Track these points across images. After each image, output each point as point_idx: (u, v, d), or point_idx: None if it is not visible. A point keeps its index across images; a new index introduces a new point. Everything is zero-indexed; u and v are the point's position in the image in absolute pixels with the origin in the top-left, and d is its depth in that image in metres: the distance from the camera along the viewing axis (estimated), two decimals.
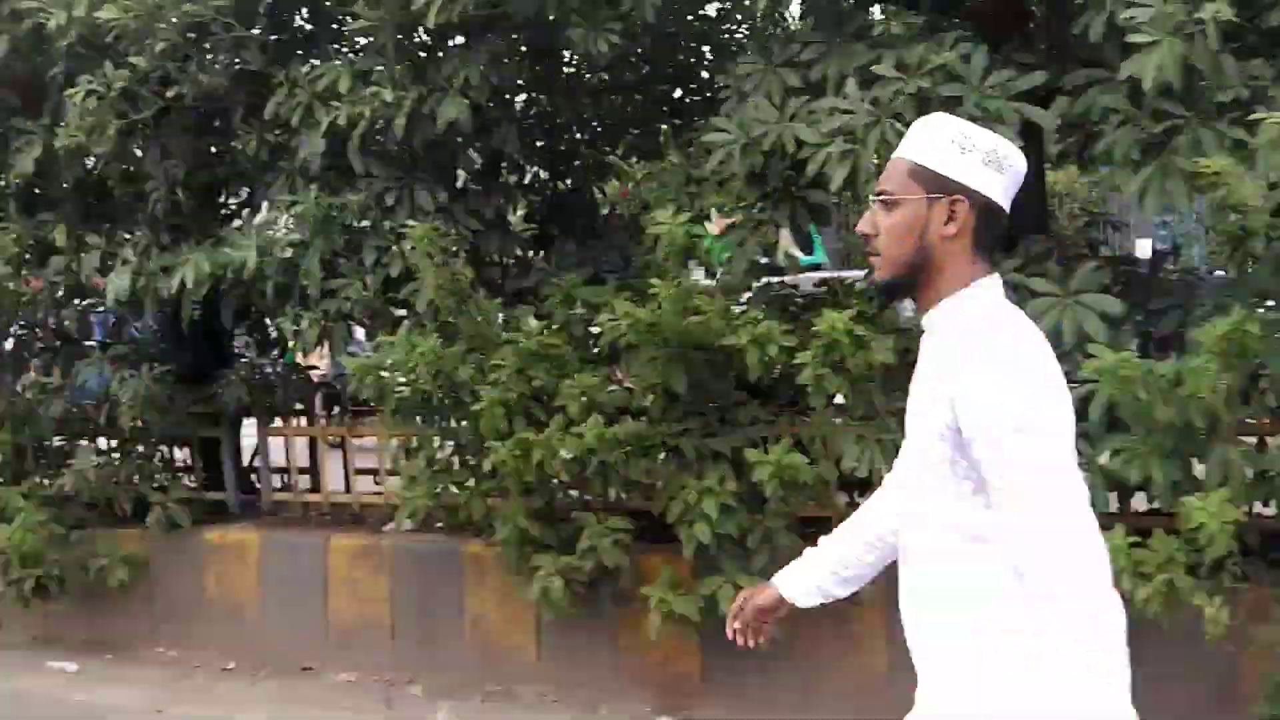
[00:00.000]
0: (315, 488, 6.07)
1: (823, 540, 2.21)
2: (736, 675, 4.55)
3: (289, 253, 4.45)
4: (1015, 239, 4.43)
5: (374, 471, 6.05)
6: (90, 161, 5.18)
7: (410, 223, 4.13)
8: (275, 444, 5.97)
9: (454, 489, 4.53)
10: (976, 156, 1.79)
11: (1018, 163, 1.84)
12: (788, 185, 3.98)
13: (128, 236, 5.08)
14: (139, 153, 4.89)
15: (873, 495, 2.20)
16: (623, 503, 4.51)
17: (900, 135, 3.57)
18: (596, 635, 4.80)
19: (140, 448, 5.76)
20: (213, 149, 5.10)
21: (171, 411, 5.42)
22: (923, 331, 1.91)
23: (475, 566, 5.06)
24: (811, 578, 2.18)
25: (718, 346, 3.90)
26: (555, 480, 4.25)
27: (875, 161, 3.59)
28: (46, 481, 5.77)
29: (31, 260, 5.49)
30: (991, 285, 1.83)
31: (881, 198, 1.85)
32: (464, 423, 4.48)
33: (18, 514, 5.59)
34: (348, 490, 5.84)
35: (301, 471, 6.20)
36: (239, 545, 5.58)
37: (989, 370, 1.70)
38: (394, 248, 4.50)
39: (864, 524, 2.16)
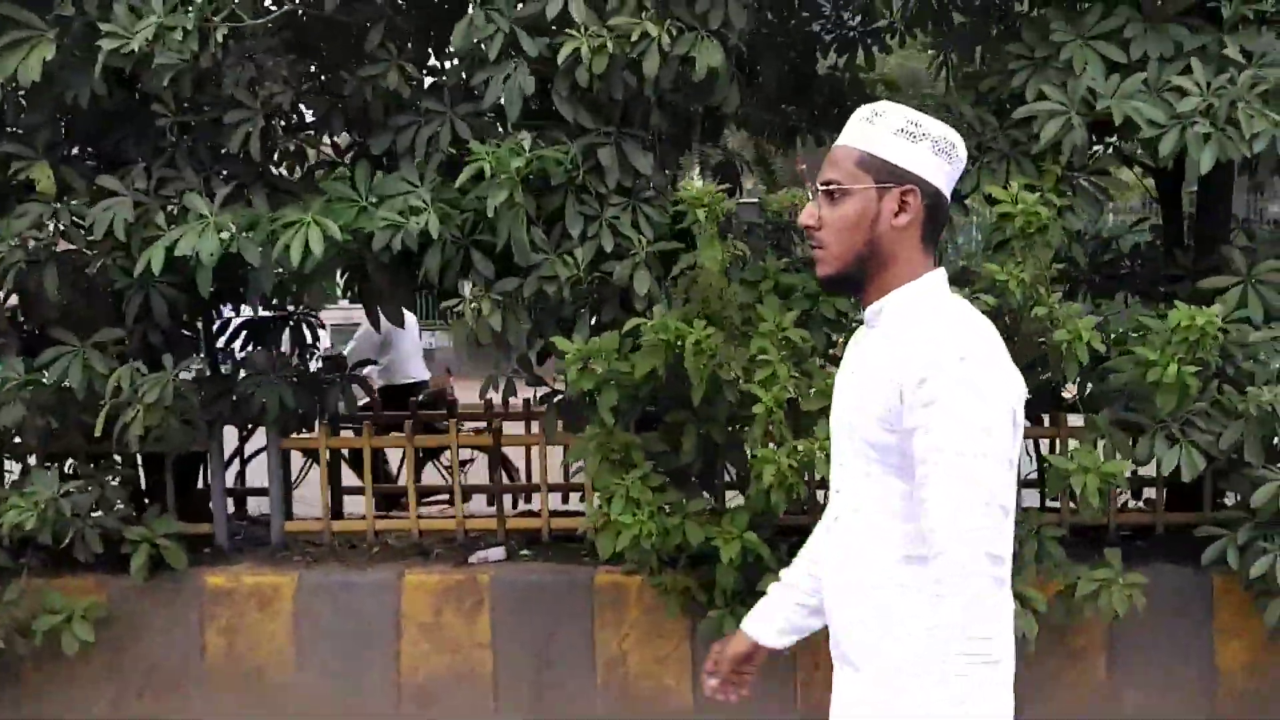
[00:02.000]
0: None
1: (784, 573, 2.15)
2: None
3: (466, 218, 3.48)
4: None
5: (438, 493, 5.07)
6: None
7: (695, 179, 3.38)
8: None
9: (666, 509, 3.77)
10: (926, 145, 1.74)
11: (961, 152, 1.80)
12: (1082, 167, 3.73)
13: (167, 176, 3.77)
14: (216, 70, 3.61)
15: (825, 515, 2.04)
16: None
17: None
18: (771, 668, 4.22)
19: (110, 469, 4.34)
20: (320, 77, 3.90)
21: (191, 420, 4.12)
22: (857, 325, 1.88)
23: (610, 599, 4.27)
24: (780, 616, 2.11)
25: (1044, 343, 3.54)
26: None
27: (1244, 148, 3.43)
28: None
29: None
30: (939, 278, 1.80)
31: (829, 188, 1.77)
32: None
33: None
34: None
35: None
36: (262, 590, 4.34)
37: (949, 363, 1.66)
38: (601, 218, 3.69)
39: (823, 547, 2.02)
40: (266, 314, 4.96)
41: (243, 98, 3.69)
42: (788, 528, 4.23)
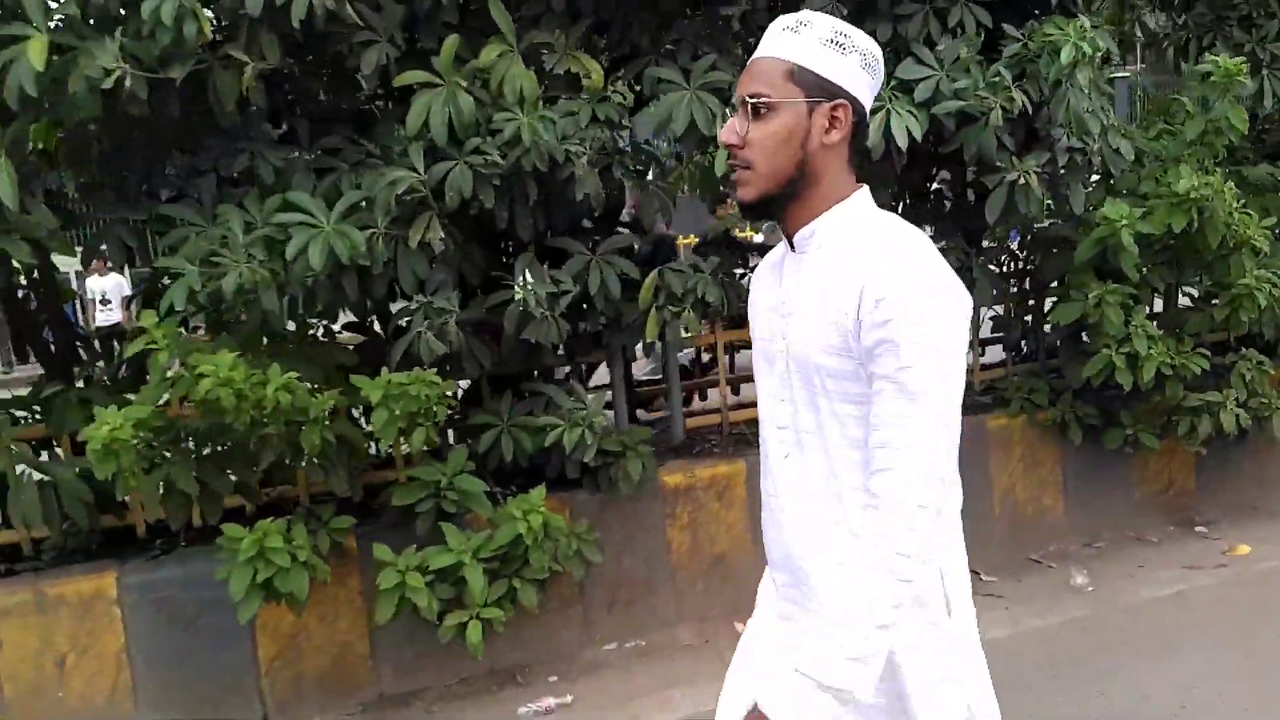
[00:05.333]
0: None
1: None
2: (1229, 483, 5.30)
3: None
4: None
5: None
6: None
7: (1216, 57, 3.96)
8: None
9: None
10: (855, 58, 1.64)
11: (881, 66, 1.71)
12: None
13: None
14: None
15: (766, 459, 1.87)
16: None
17: None
18: (1114, 474, 5.08)
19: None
20: None
21: None
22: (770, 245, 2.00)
23: (1001, 440, 4.84)
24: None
25: None
26: None
27: None
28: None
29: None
30: (867, 195, 1.71)
31: (756, 102, 1.63)
32: None
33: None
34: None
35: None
36: (718, 481, 4.35)
37: (910, 281, 1.55)
38: None
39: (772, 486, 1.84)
40: None
41: None
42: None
